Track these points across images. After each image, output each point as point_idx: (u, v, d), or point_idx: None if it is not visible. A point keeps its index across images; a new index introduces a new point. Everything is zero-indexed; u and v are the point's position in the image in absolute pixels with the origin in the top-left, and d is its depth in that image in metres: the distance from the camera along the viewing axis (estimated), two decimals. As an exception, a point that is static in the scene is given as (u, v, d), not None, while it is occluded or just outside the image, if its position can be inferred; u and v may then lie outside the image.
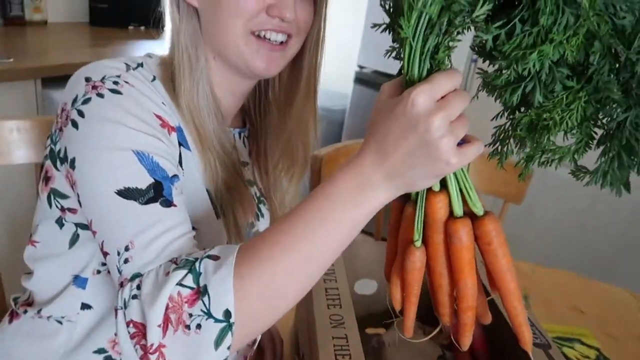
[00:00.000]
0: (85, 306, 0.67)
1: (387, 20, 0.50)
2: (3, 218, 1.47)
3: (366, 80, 2.51)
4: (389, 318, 0.78)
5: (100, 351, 0.68)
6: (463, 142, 0.47)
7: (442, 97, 0.44)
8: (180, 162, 0.64)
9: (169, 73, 0.66)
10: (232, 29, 0.63)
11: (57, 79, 1.57)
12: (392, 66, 0.50)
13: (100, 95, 0.58)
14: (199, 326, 0.47)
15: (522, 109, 0.50)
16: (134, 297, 0.50)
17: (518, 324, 0.54)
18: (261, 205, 0.80)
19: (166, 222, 0.55)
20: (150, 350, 0.47)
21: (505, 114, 0.52)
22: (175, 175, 0.59)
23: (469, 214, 0.52)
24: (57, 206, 0.66)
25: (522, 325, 0.54)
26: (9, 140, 0.94)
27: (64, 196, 0.65)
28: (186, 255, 0.52)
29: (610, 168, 0.49)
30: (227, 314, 0.46)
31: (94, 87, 0.59)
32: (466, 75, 2.11)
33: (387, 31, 0.50)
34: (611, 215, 1.96)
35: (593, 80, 0.45)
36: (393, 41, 0.50)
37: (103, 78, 0.59)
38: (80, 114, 0.58)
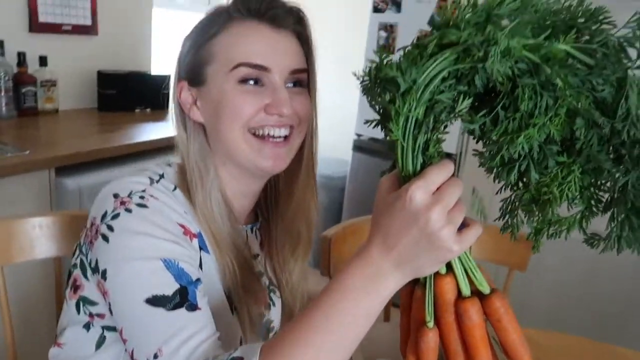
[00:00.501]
0: None
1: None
2: (19, 309, 1.49)
3: (364, 147, 2.59)
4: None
5: None
6: (462, 225, 0.49)
7: (438, 188, 0.48)
8: (200, 265, 0.68)
9: (185, 182, 0.71)
10: (232, 132, 0.68)
11: (70, 166, 1.64)
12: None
13: (128, 210, 0.62)
14: None
15: (522, 185, 0.52)
16: None
17: None
18: (272, 294, 0.82)
19: (192, 327, 0.58)
20: None
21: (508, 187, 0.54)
22: (198, 279, 0.63)
23: (477, 293, 0.53)
24: (85, 312, 0.68)
25: None
26: (32, 237, 0.99)
27: (93, 303, 0.68)
28: (213, 357, 0.55)
29: (622, 232, 0.50)
30: None
31: (122, 203, 0.63)
32: (460, 148, 2.16)
33: (380, 127, 0.52)
34: (617, 273, 1.97)
35: (583, 152, 0.47)
36: (385, 136, 0.52)
37: (130, 193, 0.64)
38: (110, 228, 0.62)
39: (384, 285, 0.50)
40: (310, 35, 0.73)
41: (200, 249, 0.69)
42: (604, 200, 0.51)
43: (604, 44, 0.45)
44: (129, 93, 2.27)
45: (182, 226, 0.66)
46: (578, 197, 0.50)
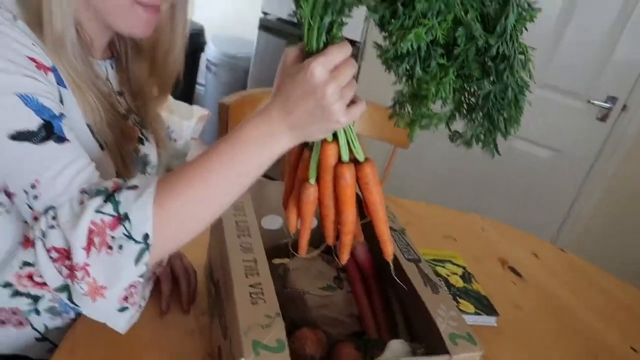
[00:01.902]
0: None
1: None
2: None
3: (271, 27, 2.51)
4: (293, 250, 0.90)
5: (6, 285, 0.72)
6: (351, 102, 0.57)
7: (335, 67, 0.54)
8: (61, 101, 0.65)
9: (30, 11, 0.63)
10: None
11: None
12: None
13: None
14: (120, 247, 0.54)
15: (408, 80, 0.59)
16: (52, 227, 0.55)
17: (384, 241, 0.68)
18: (143, 130, 0.83)
19: (65, 157, 0.58)
20: (76, 269, 0.54)
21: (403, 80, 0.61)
22: (62, 114, 0.61)
23: (353, 160, 0.63)
24: None
25: (387, 242, 0.68)
26: None
27: None
28: (95, 185, 0.57)
29: (475, 132, 0.61)
30: (146, 237, 0.54)
31: None
32: (364, 37, 2.19)
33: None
34: (479, 159, 2.25)
35: (459, 58, 0.55)
36: (294, 11, 0.56)
37: None
38: None
39: (278, 144, 0.57)
40: None
41: (58, 84, 0.65)
42: (469, 105, 0.61)
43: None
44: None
45: (33, 60, 0.61)
46: (450, 97, 0.58)
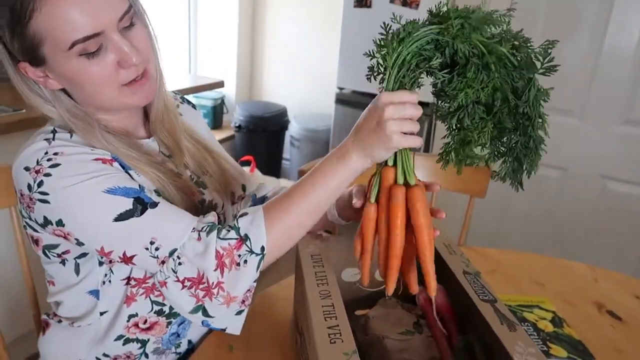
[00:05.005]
0: (102, 313, 0.84)
1: (363, 49, 0.72)
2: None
3: (346, 100, 2.68)
4: (373, 300, 0.94)
5: (119, 337, 0.85)
6: None
7: (401, 102, 0.66)
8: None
9: (80, 130, 0.74)
10: (107, 93, 0.71)
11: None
12: (367, 85, 0.72)
13: (48, 175, 0.68)
14: (245, 261, 0.69)
15: (457, 130, 0.73)
16: (180, 263, 0.69)
17: (425, 268, 0.72)
18: (201, 180, 0.91)
19: (165, 213, 0.71)
20: (212, 287, 0.69)
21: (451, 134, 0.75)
22: (140, 186, 0.72)
23: (407, 184, 0.72)
24: (53, 255, 0.79)
25: (428, 269, 0.72)
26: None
27: (55, 246, 0.77)
28: (200, 222, 0.72)
29: (507, 172, 0.75)
30: (262, 248, 0.70)
31: (37, 172, 0.68)
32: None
33: (370, 59, 0.71)
34: (574, 204, 2.15)
35: (496, 114, 0.70)
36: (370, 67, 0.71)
37: (38, 162, 0.69)
38: (43, 194, 0.68)
39: (351, 163, 0.71)
40: None
41: (123, 167, 0.75)
42: (501, 151, 0.75)
43: (526, 55, 0.68)
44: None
45: (98, 159, 0.72)
46: (488, 143, 0.72)
